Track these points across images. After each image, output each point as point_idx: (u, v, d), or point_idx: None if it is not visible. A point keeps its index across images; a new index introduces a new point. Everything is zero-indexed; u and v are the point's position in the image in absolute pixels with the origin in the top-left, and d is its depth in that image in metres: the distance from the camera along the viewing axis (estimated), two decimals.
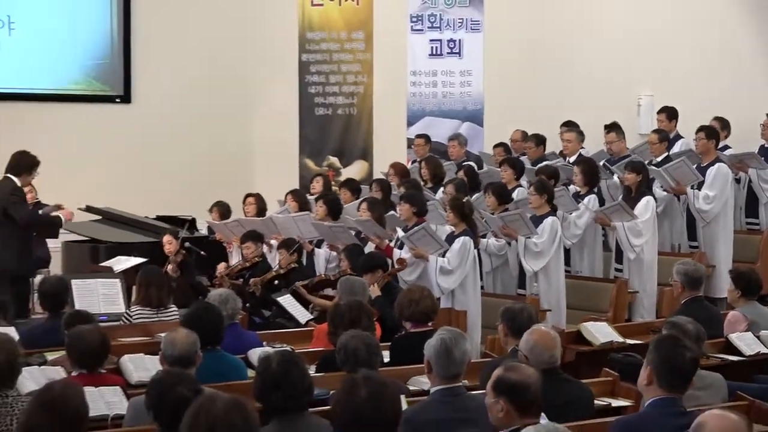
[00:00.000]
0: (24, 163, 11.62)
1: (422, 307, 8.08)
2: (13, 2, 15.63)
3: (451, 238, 10.75)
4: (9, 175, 11.60)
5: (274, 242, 11.93)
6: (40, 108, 15.77)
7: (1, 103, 15.51)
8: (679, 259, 10.30)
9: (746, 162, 12.57)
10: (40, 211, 12.20)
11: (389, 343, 8.20)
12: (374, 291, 9.84)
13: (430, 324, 8.03)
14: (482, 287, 11.17)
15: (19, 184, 11.60)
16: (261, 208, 12.85)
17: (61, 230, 12.86)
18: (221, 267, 11.94)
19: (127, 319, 9.49)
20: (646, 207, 11.59)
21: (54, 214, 12.14)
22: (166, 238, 12.03)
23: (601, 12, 15.12)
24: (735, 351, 8.52)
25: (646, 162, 12.34)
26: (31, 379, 6.95)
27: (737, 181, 12.78)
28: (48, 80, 15.99)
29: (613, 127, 13.26)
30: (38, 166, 11.68)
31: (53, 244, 13.18)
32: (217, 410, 4.41)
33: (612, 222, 11.63)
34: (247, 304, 10.69)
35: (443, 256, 10.64)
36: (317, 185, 13.40)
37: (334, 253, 11.52)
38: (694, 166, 12.08)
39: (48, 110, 15.82)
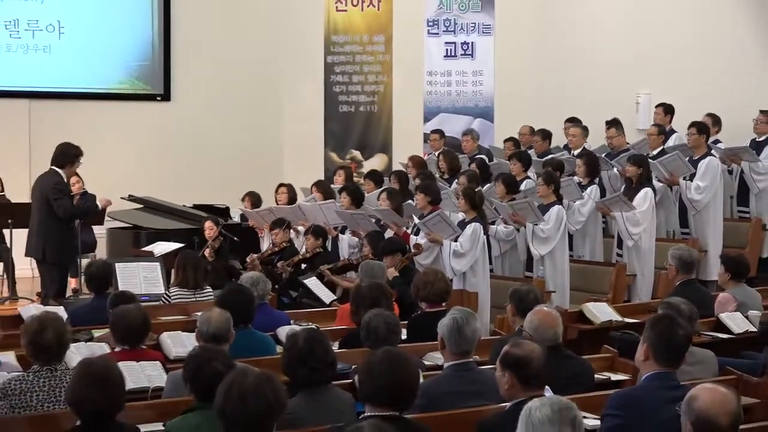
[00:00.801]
0: (67, 154, 11.47)
1: (436, 289, 8.06)
2: (62, 8, 15.68)
3: (462, 225, 10.75)
4: (54, 167, 11.50)
5: (301, 228, 11.95)
6: (87, 106, 15.84)
7: (51, 102, 15.59)
8: (674, 244, 10.28)
9: (739, 155, 12.53)
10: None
11: (406, 322, 8.20)
12: (392, 273, 9.85)
13: (444, 304, 8.01)
14: (492, 270, 11.16)
15: (63, 175, 11.50)
16: (292, 197, 12.87)
17: (106, 218, 12.91)
18: (252, 256, 11.92)
19: (166, 299, 9.51)
20: (644, 198, 11.56)
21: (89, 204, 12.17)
22: (208, 224, 12.03)
23: (603, 18, 15.09)
24: (725, 329, 8.49)
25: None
26: (78, 354, 6.96)
27: (730, 172, 12.73)
28: (95, 80, 16.04)
29: (613, 123, 13.24)
30: (81, 157, 11.48)
31: (99, 231, 13.25)
32: (247, 383, 4.43)
33: (612, 212, 11.62)
34: (276, 286, 10.71)
35: (456, 241, 10.64)
36: (339, 178, 13.44)
37: (357, 239, 11.54)
38: (687, 159, 12.06)
39: (95, 108, 15.89)
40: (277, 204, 12.79)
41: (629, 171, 11.75)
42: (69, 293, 11.97)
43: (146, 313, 7.03)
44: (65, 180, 11.56)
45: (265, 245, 12.26)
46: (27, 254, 11.70)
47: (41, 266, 11.49)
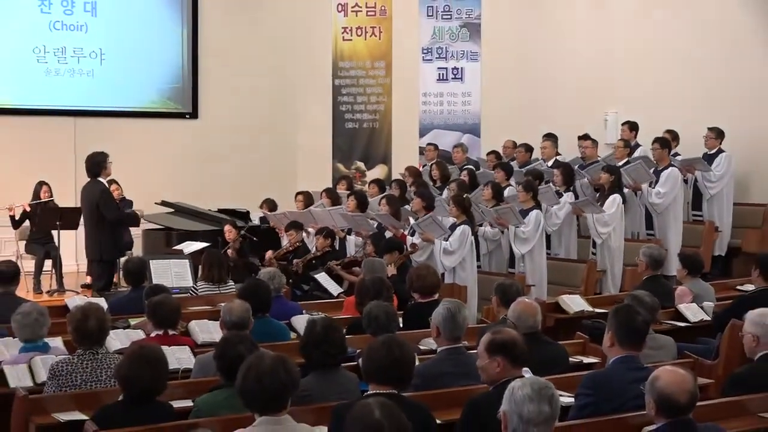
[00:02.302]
0: (97, 162, 11.48)
1: (428, 282, 8.03)
2: (103, 38, 15.70)
3: (453, 227, 10.74)
4: (92, 177, 11.53)
5: (311, 230, 11.93)
6: (125, 122, 15.86)
7: (94, 119, 15.61)
8: (640, 244, 10.28)
9: (693, 165, 12.52)
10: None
11: (402, 312, 8.21)
12: (390, 271, 9.83)
13: (435, 296, 7.99)
14: (479, 266, 11.14)
15: (104, 182, 11.55)
16: (308, 203, 12.87)
17: (142, 220, 12.91)
18: (269, 253, 11.91)
19: (194, 292, 9.50)
20: (612, 202, 11.56)
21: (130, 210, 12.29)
22: (227, 228, 12.03)
23: (576, 47, 15.09)
24: (683, 318, 8.49)
25: None
26: (117, 340, 6.99)
27: (685, 181, 12.71)
28: (132, 100, 16.07)
29: (587, 137, 13.26)
30: (108, 159, 11.53)
31: (135, 232, 13.24)
32: (264, 365, 4.42)
33: (584, 212, 11.63)
34: (290, 280, 10.69)
35: (446, 240, 10.63)
36: (342, 186, 13.47)
37: (362, 239, 11.52)
38: (652, 170, 12.07)
39: (132, 124, 15.91)
40: (297, 209, 12.81)
41: (603, 178, 11.76)
42: None
43: (179, 303, 7.09)
44: (108, 187, 11.61)
45: (284, 243, 12.26)
46: (88, 257, 11.75)
47: (95, 264, 11.52)
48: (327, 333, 5.60)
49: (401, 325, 7.87)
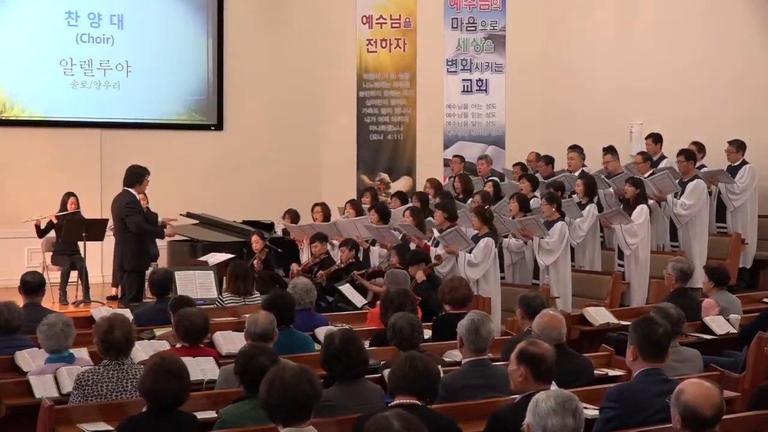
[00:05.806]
0: (135, 175, 11.57)
1: (460, 294, 8.02)
2: (130, 50, 15.77)
3: (476, 239, 10.73)
4: (126, 187, 11.60)
5: (335, 242, 11.95)
6: (151, 134, 15.91)
7: (120, 131, 15.68)
8: (666, 257, 10.24)
9: (717, 177, 12.48)
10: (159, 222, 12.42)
11: (430, 323, 8.19)
12: (420, 277, 9.84)
13: (466, 308, 7.97)
14: (503, 278, 11.12)
15: (135, 194, 11.59)
16: (326, 214, 12.88)
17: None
18: (294, 267, 11.92)
19: (220, 303, 9.52)
20: (640, 213, 11.54)
21: (160, 226, 12.28)
22: (254, 238, 12.03)
23: (600, 59, 15.08)
24: (709, 331, 8.44)
25: None
26: (142, 351, 7.00)
27: (709, 193, 12.65)
28: (158, 112, 16.13)
29: (609, 150, 13.19)
30: (148, 175, 11.62)
31: (161, 243, 13.27)
32: (288, 377, 4.41)
33: (612, 224, 11.59)
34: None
35: (470, 253, 10.61)
36: (366, 198, 13.49)
37: (386, 250, 11.52)
38: (677, 181, 12.02)
39: (157, 136, 15.96)
40: (314, 220, 12.82)
41: (628, 191, 11.73)
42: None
43: (207, 316, 7.05)
44: (137, 198, 11.64)
45: (304, 256, 12.27)
46: (115, 266, 12.00)
47: (124, 275, 11.58)
48: (346, 346, 5.60)
49: (429, 336, 7.88)
